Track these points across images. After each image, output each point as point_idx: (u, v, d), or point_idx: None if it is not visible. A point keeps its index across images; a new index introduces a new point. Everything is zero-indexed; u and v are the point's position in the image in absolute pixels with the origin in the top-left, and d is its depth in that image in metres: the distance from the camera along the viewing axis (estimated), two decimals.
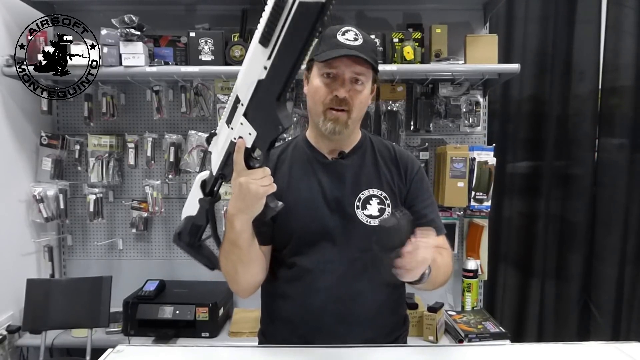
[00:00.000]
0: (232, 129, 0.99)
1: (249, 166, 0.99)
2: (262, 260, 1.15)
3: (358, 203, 1.15)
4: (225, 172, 1.05)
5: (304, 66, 1.19)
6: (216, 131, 1.04)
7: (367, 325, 1.17)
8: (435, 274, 1.06)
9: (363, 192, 1.16)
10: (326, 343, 1.13)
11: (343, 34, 1.10)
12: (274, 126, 0.95)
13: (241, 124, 0.98)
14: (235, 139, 0.99)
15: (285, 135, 2.20)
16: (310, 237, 1.15)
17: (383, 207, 1.16)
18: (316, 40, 1.13)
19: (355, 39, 1.10)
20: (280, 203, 1.03)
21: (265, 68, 0.90)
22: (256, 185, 0.96)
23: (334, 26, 1.14)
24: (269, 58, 0.89)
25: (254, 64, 0.91)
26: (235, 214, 1.01)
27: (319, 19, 0.84)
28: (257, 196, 0.97)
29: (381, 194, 1.17)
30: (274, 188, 0.99)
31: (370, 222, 1.14)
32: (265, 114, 0.95)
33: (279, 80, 0.91)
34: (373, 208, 1.15)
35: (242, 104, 0.96)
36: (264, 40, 0.88)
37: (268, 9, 0.85)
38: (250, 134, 0.98)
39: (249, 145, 0.98)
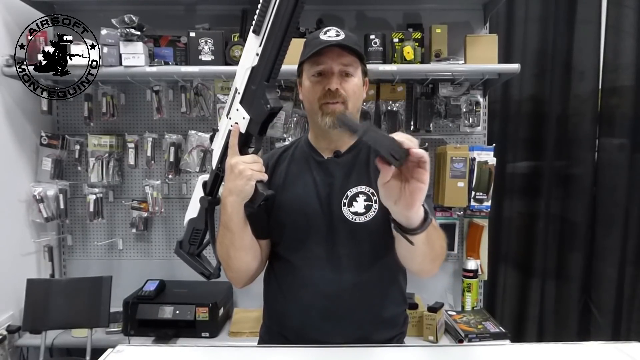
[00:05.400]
0: (230, 118, 1.10)
1: (243, 154, 1.07)
2: (255, 250, 1.18)
3: (345, 200, 1.16)
4: (223, 165, 1.10)
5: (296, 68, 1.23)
6: (218, 127, 1.12)
7: (353, 322, 1.17)
8: (431, 233, 0.97)
9: (351, 190, 1.17)
10: (313, 339, 1.14)
11: (325, 33, 1.15)
12: (263, 105, 1.04)
13: (237, 110, 1.08)
14: (232, 126, 1.08)
15: (285, 135, 2.21)
16: (300, 234, 1.17)
17: (370, 203, 1.16)
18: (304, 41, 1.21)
19: (338, 35, 1.14)
20: (270, 191, 1.08)
21: (257, 55, 1.03)
22: (245, 166, 1.03)
23: (316, 31, 1.19)
24: (260, 45, 1.02)
25: (249, 53, 1.04)
26: (227, 195, 1.07)
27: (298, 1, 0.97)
28: (246, 177, 1.03)
29: (369, 191, 1.17)
30: (264, 176, 1.06)
31: (355, 219, 1.15)
32: (257, 96, 1.05)
33: (268, 63, 1.02)
34: (359, 205, 1.15)
35: (239, 93, 1.07)
36: (257, 28, 1.01)
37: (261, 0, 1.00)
38: (244, 118, 1.07)
39: (243, 131, 1.07)
